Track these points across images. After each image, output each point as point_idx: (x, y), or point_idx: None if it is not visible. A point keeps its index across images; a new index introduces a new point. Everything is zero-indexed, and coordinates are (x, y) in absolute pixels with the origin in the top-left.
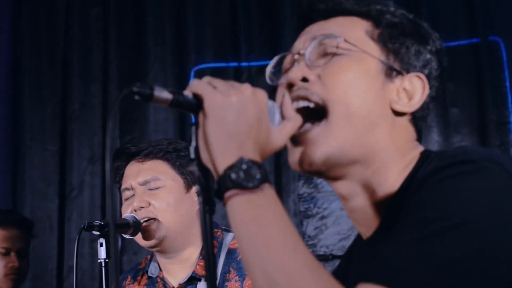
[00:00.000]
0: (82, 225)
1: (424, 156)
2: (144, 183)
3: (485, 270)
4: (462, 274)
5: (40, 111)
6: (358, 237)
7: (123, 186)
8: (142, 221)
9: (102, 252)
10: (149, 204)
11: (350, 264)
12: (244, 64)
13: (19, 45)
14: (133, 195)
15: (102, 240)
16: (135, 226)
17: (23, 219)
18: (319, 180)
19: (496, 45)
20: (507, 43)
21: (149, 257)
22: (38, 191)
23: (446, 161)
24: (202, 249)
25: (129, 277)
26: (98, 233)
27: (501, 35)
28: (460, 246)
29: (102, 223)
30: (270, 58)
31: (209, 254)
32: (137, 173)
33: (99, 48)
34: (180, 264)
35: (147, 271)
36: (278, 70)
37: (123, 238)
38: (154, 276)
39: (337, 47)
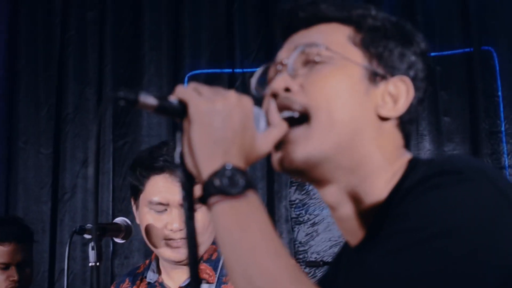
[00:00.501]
0: (74, 229)
1: (412, 165)
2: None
3: (470, 278)
4: (447, 282)
5: (35, 113)
6: (346, 244)
7: (154, 199)
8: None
9: (93, 256)
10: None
11: (337, 271)
12: (238, 70)
13: (15, 47)
14: (165, 210)
15: (93, 244)
16: (127, 230)
17: (21, 232)
18: (310, 187)
19: (489, 55)
20: (500, 53)
21: (147, 262)
22: (31, 193)
23: (432, 170)
24: (204, 253)
25: (127, 280)
26: (89, 236)
27: (494, 44)
28: (445, 254)
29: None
30: (269, 62)
31: (193, 260)
32: (177, 192)
33: (95, 51)
34: (182, 268)
35: (145, 277)
36: (263, 81)
37: (114, 243)
38: (152, 282)
39: (319, 55)
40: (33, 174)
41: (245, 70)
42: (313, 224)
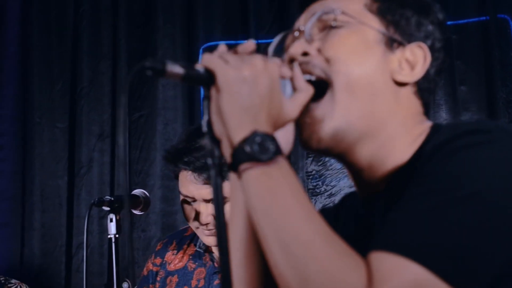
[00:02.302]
0: (92, 201)
1: (435, 129)
2: (210, 200)
3: (499, 239)
4: (477, 243)
5: (49, 88)
6: (354, 194)
7: (183, 192)
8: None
9: (112, 228)
10: (213, 217)
11: (339, 213)
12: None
13: (28, 23)
14: (194, 201)
15: (112, 216)
16: (145, 202)
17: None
18: (327, 158)
19: (505, 23)
20: None
21: (191, 231)
22: (47, 168)
23: (460, 130)
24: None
25: (174, 243)
26: (108, 208)
27: (511, 12)
28: (474, 216)
29: (113, 199)
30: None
31: (220, 226)
32: (202, 188)
33: (109, 25)
34: None
35: (194, 244)
36: (280, 49)
37: (132, 215)
38: (202, 250)
39: (335, 20)
40: (49, 149)
41: (260, 41)
42: (330, 195)
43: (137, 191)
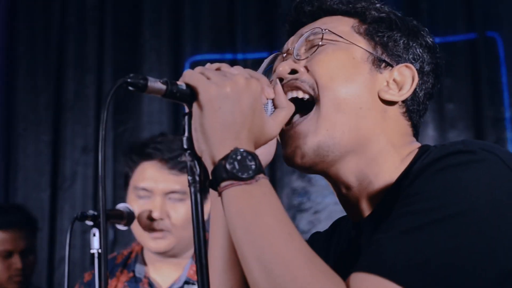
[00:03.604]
0: (75, 215)
1: (423, 150)
2: (168, 193)
3: (483, 259)
4: (461, 263)
5: (34, 100)
6: (346, 217)
7: (140, 184)
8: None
9: (95, 243)
10: (168, 215)
11: (332, 237)
12: (240, 56)
13: (14, 34)
14: (149, 196)
15: (95, 231)
16: (129, 217)
17: (24, 219)
18: (313, 175)
19: (494, 41)
20: (505, 39)
21: (126, 253)
22: (30, 181)
23: (445, 151)
24: (194, 252)
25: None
26: (91, 223)
27: (499, 30)
28: (459, 235)
29: (96, 213)
30: (267, 51)
31: (200, 245)
32: (162, 180)
33: (94, 38)
34: (171, 264)
35: (132, 271)
36: (269, 69)
37: (115, 230)
38: (141, 277)
39: (323, 39)
40: (32, 162)
41: (247, 56)
42: (315, 212)
43: (121, 206)
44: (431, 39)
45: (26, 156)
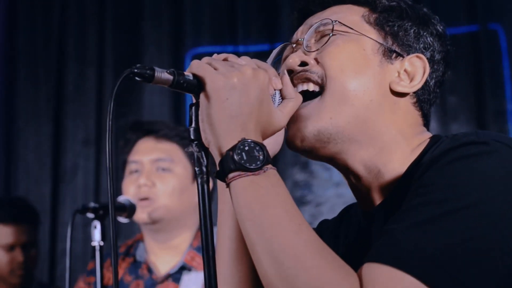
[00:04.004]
0: (76, 208)
1: (434, 140)
2: (156, 161)
3: (496, 251)
4: (474, 255)
5: (34, 93)
6: (356, 205)
7: (130, 158)
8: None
9: (96, 235)
10: (154, 183)
11: (340, 225)
12: (241, 48)
13: (14, 27)
14: (138, 170)
15: (96, 223)
16: (130, 209)
17: (26, 212)
18: (315, 167)
19: (495, 33)
20: (507, 31)
21: (130, 242)
22: (31, 174)
23: (457, 141)
24: (194, 239)
25: (109, 259)
26: (92, 215)
27: (501, 22)
28: (472, 227)
29: (97, 206)
30: (268, 43)
31: (207, 236)
32: (150, 150)
33: (95, 30)
34: (170, 250)
35: (133, 255)
36: (278, 60)
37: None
38: (141, 261)
39: (333, 30)
40: (33, 155)
41: (248, 48)
42: (317, 205)
43: (122, 198)
44: (441, 27)
45: (27, 149)
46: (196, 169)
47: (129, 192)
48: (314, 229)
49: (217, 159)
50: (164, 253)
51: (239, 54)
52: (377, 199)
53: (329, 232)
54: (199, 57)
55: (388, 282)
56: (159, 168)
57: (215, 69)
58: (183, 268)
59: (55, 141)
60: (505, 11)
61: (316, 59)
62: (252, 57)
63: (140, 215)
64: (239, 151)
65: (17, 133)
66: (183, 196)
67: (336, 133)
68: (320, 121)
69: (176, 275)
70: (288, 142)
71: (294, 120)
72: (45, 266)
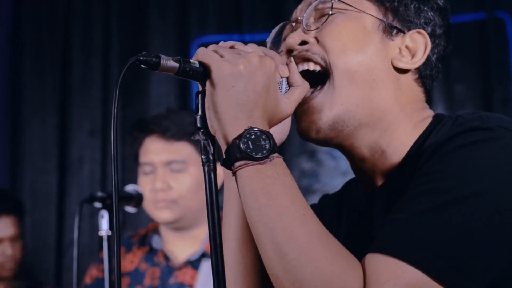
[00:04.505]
0: (84, 198)
1: (437, 120)
2: (169, 164)
3: (501, 240)
4: (478, 245)
5: (40, 84)
6: (356, 184)
7: (142, 159)
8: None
9: (104, 225)
10: (169, 186)
11: (342, 200)
12: (247, 37)
13: (19, 17)
14: (152, 171)
15: (104, 213)
16: (137, 198)
17: (10, 204)
18: (322, 156)
19: (503, 22)
20: None
21: (143, 232)
22: (37, 165)
23: (461, 127)
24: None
25: (122, 247)
26: (100, 205)
27: (509, 10)
28: (476, 216)
29: (105, 195)
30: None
31: (214, 224)
32: (161, 151)
33: (100, 20)
34: (189, 239)
35: (149, 243)
36: (278, 40)
37: (124, 213)
38: (158, 248)
39: (332, 8)
40: (39, 146)
41: (255, 36)
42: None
43: (129, 188)
44: (442, 1)
45: (32, 140)
46: (203, 157)
47: (147, 196)
48: (315, 204)
49: (223, 147)
50: (181, 242)
51: (245, 43)
52: (379, 180)
53: (331, 208)
54: (205, 46)
55: (391, 274)
56: (173, 170)
57: (221, 56)
58: (204, 256)
59: (61, 131)
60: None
61: (316, 38)
62: (258, 46)
63: (160, 217)
64: (245, 140)
65: (23, 124)
66: (200, 191)
67: (349, 119)
68: (333, 109)
69: (195, 262)
70: (303, 134)
71: (306, 112)
72: (52, 256)
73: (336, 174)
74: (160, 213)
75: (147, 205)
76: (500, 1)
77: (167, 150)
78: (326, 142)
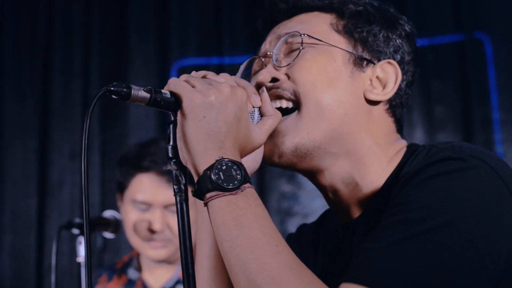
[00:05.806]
0: (62, 224)
1: (411, 151)
2: (168, 206)
3: (472, 269)
4: (450, 273)
5: (20, 107)
6: (330, 215)
7: (138, 197)
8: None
9: (81, 251)
10: (168, 226)
11: (320, 231)
12: (227, 60)
13: (0, 39)
14: (148, 209)
15: (81, 239)
16: (116, 224)
17: None
18: (301, 178)
19: (481, 43)
20: (493, 39)
21: (126, 258)
22: (18, 188)
23: (434, 157)
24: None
25: (104, 275)
26: (78, 231)
27: (487, 31)
28: (448, 246)
29: (82, 222)
30: (254, 54)
31: (186, 254)
32: (159, 191)
33: (81, 43)
34: (165, 267)
35: (125, 273)
36: (248, 74)
37: (105, 238)
38: (134, 279)
39: (302, 43)
40: (19, 169)
41: (234, 60)
42: (305, 216)
43: (107, 213)
44: (409, 27)
45: (13, 163)
46: (175, 187)
47: (139, 231)
48: (293, 234)
49: (195, 177)
50: (159, 269)
51: (225, 66)
52: (356, 212)
53: (309, 237)
54: (185, 68)
55: None
56: (172, 211)
57: (193, 86)
58: (178, 283)
59: (42, 155)
60: (490, 20)
61: (287, 74)
62: (238, 69)
63: (154, 255)
64: (216, 171)
65: (3, 147)
66: (193, 226)
67: (313, 148)
68: (297, 136)
69: None
70: (266, 157)
71: (271, 135)
72: (32, 280)
73: (316, 195)
74: (154, 252)
75: (137, 240)
76: (479, 23)
77: (168, 192)
78: (290, 167)
